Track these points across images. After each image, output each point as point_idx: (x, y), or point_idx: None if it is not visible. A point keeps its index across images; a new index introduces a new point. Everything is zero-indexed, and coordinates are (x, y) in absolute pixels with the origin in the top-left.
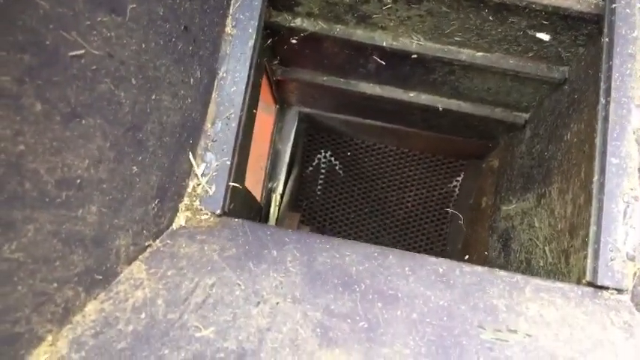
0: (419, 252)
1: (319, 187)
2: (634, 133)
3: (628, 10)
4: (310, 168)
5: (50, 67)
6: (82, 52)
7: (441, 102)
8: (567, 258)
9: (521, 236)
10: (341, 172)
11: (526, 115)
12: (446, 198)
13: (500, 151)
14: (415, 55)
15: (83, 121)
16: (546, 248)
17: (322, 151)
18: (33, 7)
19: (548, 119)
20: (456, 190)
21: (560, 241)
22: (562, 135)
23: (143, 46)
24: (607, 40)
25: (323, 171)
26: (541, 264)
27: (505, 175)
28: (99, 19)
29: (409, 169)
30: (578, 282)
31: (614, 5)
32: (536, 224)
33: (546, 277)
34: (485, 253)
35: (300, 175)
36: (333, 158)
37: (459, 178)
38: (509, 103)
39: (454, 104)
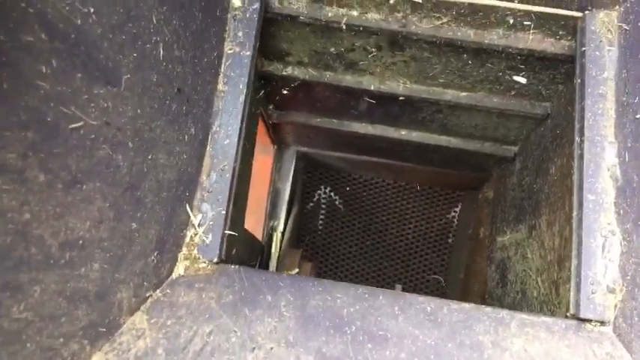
0: (421, 282)
1: (320, 222)
2: (608, 169)
3: (597, 53)
4: (311, 204)
5: (52, 141)
6: (81, 124)
7: (431, 139)
8: (557, 289)
9: (517, 267)
10: (341, 206)
11: (515, 148)
12: (445, 229)
13: (493, 182)
14: (402, 97)
15: (84, 187)
16: (539, 279)
17: (322, 187)
18: (34, 88)
19: (535, 153)
20: (455, 220)
21: (550, 273)
22: (548, 168)
23: (138, 111)
24: (579, 81)
25: (323, 206)
26: (535, 295)
27: (499, 206)
28: (95, 91)
29: (408, 202)
30: (566, 315)
31: (584, 48)
32: (529, 255)
33: (540, 307)
34: (485, 283)
35: (301, 212)
36: (332, 193)
37: (457, 209)
38: (497, 138)
39: (444, 140)
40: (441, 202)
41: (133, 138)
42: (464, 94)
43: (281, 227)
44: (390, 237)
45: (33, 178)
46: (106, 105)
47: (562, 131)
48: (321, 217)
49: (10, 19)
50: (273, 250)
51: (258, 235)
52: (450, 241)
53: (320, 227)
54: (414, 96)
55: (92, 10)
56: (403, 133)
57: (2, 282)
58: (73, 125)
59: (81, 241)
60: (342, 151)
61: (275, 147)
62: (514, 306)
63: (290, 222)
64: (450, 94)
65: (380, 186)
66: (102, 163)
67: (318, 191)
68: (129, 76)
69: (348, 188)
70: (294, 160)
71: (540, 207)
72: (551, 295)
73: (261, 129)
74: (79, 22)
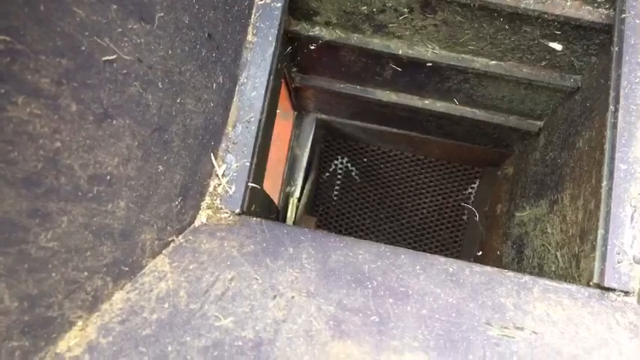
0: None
1: (336, 192)
2: None
3: (637, 21)
4: (327, 173)
5: (85, 71)
6: (114, 57)
7: (455, 109)
8: (578, 262)
9: (534, 242)
10: (357, 177)
11: (540, 123)
12: (461, 205)
13: (514, 158)
14: (430, 64)
15: (114, 122)
16: (558, 253)
17: (339, 157)
18: (70, 14)
19: (561, 127)
20: (472, 197)
21: (571, 246)
22: (574, 142)
23: (169, 52)
24: (616, 49)
25: (339, 177)
26: (553, 269)
27: (519, 183)
28: (129, 26)
29: (425, 176)
30: (587, 285)
31: (623, 15)
32: (549, 230)
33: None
34: (500, 259)
35: (317, 180)
36: (349, 164)
37: (475, 185)
38: (523, 111)
39: (469, 112)
40: (459, 178)
41: (163, 79)
42: (493, 62)
43: (297, 194)
44: (405, 210)
45: (65, 106)
46: (138, 41)
47: (592, 104)
48: (337, 187)
49: None
50: (288, 215)
51: (275, 199)
52: (465, 217)
53: (335, 197)
54: (442, 63)
55: None
56: (427, 103)
57: (32, 208)
58: (107, 58)
59: (109, 177)
60: (363, 120)
61: (295, 113)
62: None
63: (306, 189)
64: (479, 63)
65: (398, 159)
66: (132, 101)
67: (335, 161)
68: (162, 14)
69: (365, 159)
70: (313, 128)
71: (564, 181)
72: (570, 268)
73: (283, 93)
74: None
